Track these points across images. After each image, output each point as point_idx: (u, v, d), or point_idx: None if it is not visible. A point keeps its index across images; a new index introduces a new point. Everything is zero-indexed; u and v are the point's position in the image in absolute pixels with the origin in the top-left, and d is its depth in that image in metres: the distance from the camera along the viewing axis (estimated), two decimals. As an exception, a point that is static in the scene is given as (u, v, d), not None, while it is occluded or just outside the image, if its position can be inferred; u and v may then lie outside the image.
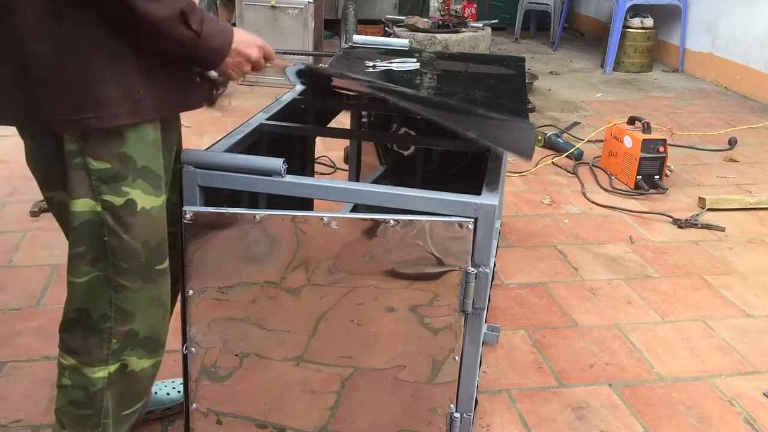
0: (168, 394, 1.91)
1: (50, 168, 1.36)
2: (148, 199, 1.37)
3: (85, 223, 1.35)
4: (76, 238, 1.36)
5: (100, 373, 1.44)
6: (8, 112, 1.29)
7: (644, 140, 3.46)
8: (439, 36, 5.17)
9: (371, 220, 1.45)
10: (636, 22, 6.03)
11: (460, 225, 1.44)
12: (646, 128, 3.51)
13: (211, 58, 1.38)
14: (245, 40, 1.43)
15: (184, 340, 1.56)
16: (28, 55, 1.24)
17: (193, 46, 1.32)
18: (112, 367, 1.45)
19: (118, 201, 1.34)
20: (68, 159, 1.31)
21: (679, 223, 3.21)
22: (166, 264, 1.45)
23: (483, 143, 1.64)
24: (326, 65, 2.45)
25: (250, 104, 4.46)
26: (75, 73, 1.25)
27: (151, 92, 1.33)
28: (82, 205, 1.33)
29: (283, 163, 1.48)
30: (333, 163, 3.65)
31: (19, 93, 1.27)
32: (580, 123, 4.57)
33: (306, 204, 2.29)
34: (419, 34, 5.18)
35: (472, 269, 1.46)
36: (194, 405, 1.61)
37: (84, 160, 1.30)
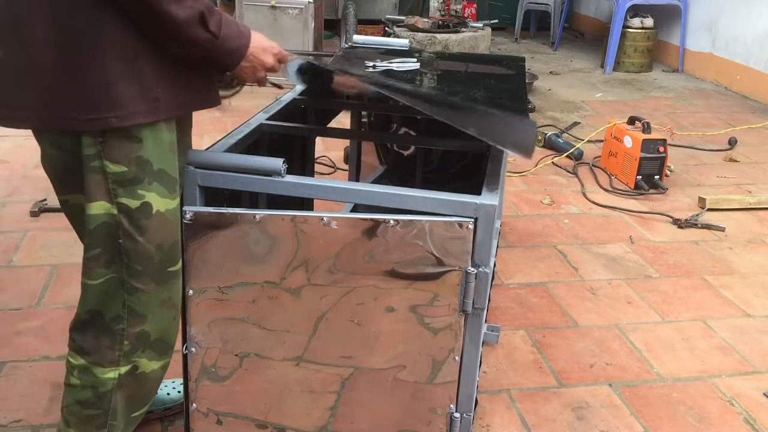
0: (168, 394, 1.92)
1: (67, 171, 1.36)
2: (163, 202, 1.37)
3: (100, 225, 1.35)
4: (91, 240, 1.37)
5: (111, 374, 1.44)
6: (27, 114, 1.29)
7: (644, 140, 3.46)
8: (439, 36, 5.17)
9: (371, 220, 1.45)
10: (636, 22, 6.03)
11: (460, 225, 1.44)
12: (646, 128, 3.51)
13: (227, 61, 1.39)
14: (261, 46, 1.44)
15: (184, 340, 1.56)
16: (44, 55, 1.24)
17: (210, 48, 1.33)
18: (123, 369, 1.45)
19: (134, 204, 1.34)
20: (86, 162, 1.31)
21: (679, 223, 3.21)
22: (178, 266, 1.46)
23: (483, 140, 1.64)
24: (326, 65, 2.45)
25: (250, 104, 4.45)
26: (92, 72, 1.25)
27: (169, 91, 1.33)
28: (99, 207, 1.34)
29: (283, 163, 1.48)
30: (333, 163, 3.65)
31: (38, 94, 1.27)
32: (580, 123, 4.57)
33: (306, 204, 2.29)
34: (419, 34, 5.18)
35: (472, 269, 1.46)
36: (194, 405, 1.61)
37: (101, 163, 1.31)
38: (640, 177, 3.51)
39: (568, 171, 3.79)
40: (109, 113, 1.27)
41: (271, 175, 1.48)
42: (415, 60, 2.49)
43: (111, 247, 1.37)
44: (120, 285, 1.40)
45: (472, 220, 1.43)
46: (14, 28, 1.26)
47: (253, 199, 1.83)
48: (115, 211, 1.34)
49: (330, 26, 6.36)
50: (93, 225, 1.35)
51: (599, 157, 3.89)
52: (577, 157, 3.90)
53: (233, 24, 1.37)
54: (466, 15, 6.06)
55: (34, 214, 2.98)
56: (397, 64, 2.45)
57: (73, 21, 1.23)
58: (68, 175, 1.36)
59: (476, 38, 5.31)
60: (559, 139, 4.07)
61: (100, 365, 1.44)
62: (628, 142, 3.55)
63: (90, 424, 1.47)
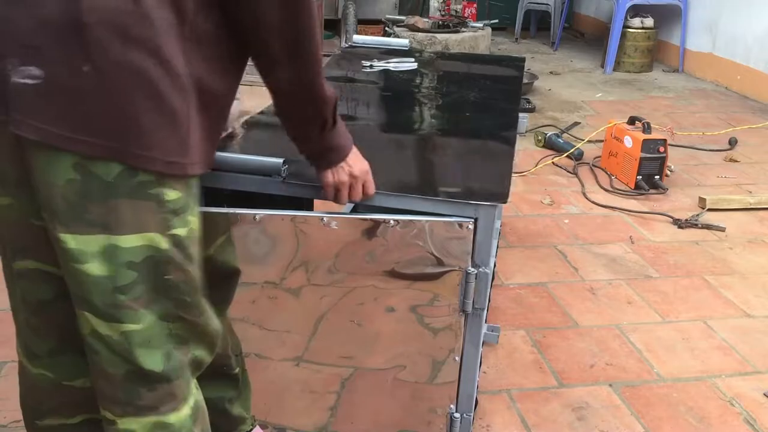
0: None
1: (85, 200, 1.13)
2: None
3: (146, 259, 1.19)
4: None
5: None
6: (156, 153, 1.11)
7: (644, 140, 3.46)
8: (439, 36, 5.17)
9: (371, 220, 1.45)
10: (636, 22, 6.02)
11: (460, 225, 1.44)
12: (647, 128, 3.51)
13: (332, 156, 1.37)
14: (360, 157, 1.41)
15: (184, 340, 1.56)
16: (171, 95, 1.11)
17: (326, 133, 1.33)
18: None
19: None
20: (137, 190, 1.13)
21: (680, 223, 3.21)
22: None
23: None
24: (325, 65, 2.45)
25: (250, 104, 4.45)
26: (181, 120, 1.14)
27: (206, 149, 1.22)
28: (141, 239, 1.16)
29: (284, 163, 1.48)
30: (333, 163, 3.64)
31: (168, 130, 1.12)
32: (580, 123, 4.57)
33: (306, 204, 2.29)
34: (419, 34, 5.18)
35: (472, 269, 1.46)
36: (194, 405, 1.61)
37: (158, 191, 1.15)
38: (640, 177, 3.50)
39: (568, 171, 3.79)
40: (191, 160, 1.16)
41: (271, 176, 1.48)
42: (413, 60, 2.50)
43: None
44: None
45: (472, 220, 1.43)
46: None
47: (253, 199, 1.82)
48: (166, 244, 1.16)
49: (330, 26, 6.36)
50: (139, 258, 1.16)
51: (599, 157, 3.89)
52: (577, 157, 3.90)
53: (343, 125, 1.38)
54: (466, 15, 6.06)
55: (34, 214, 2.97)
56: (395, 64, 2.45)
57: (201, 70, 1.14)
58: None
59: (476, 38, 5.31)
60: (559, 139, 4.07)
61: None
62: (628, 142, 3.55)
63: None
